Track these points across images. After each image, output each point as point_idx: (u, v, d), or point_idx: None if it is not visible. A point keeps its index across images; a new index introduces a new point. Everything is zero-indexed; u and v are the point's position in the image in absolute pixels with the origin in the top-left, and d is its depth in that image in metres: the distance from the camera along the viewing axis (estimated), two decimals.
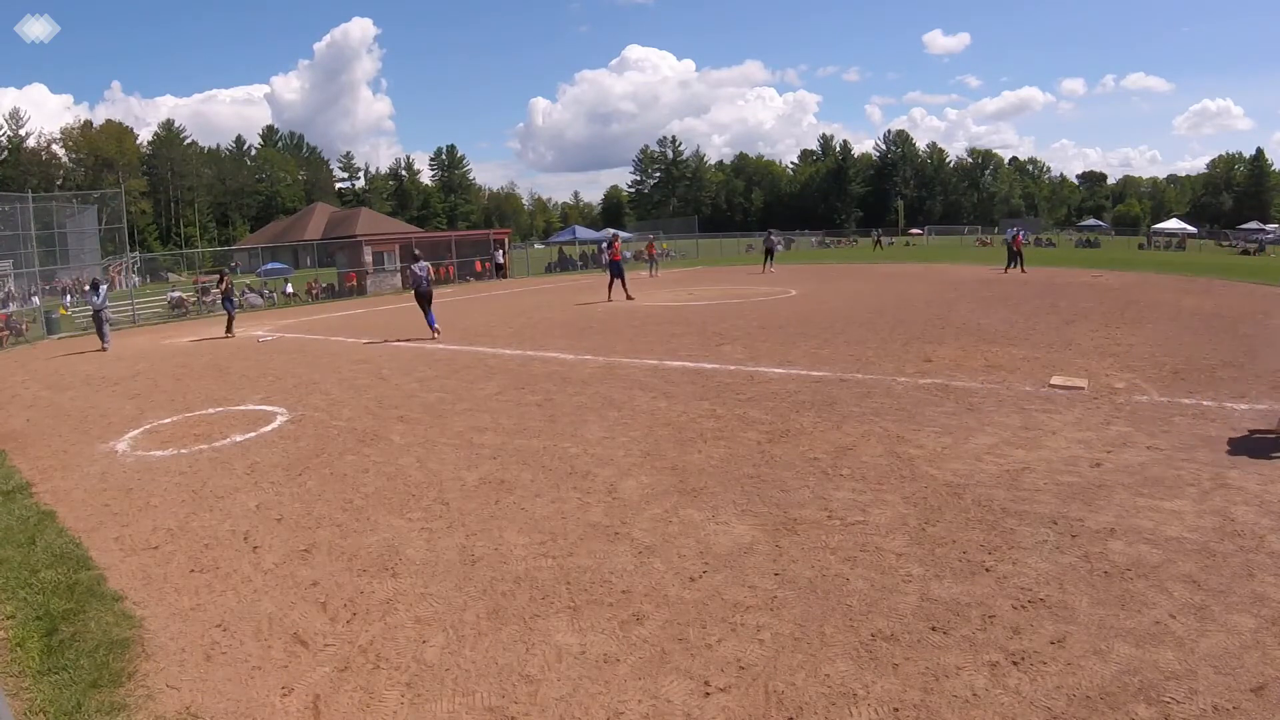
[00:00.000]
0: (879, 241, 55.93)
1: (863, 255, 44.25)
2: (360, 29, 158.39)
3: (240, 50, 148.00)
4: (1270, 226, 67.07)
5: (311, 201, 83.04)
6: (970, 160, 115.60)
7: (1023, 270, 24.22)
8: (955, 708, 2.78)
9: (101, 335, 15.88)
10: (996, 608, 3.46)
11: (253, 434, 7.38)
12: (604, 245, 21.36)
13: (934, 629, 3.31)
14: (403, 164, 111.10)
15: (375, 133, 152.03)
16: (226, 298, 17.33)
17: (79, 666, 3.35)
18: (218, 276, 18.33)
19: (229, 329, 16.82)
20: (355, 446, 6.73)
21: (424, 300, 13.90)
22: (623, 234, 49.74)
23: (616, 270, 20.21)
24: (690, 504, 4.93)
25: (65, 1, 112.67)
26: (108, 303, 16.63)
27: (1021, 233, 26.18)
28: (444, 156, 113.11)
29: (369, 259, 30.70)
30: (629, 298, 19.59)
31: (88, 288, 17.30)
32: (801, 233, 73.70)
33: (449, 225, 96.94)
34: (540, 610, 3.67)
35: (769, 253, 31.02)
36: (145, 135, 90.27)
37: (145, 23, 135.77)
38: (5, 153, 76.74)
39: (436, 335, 13.71)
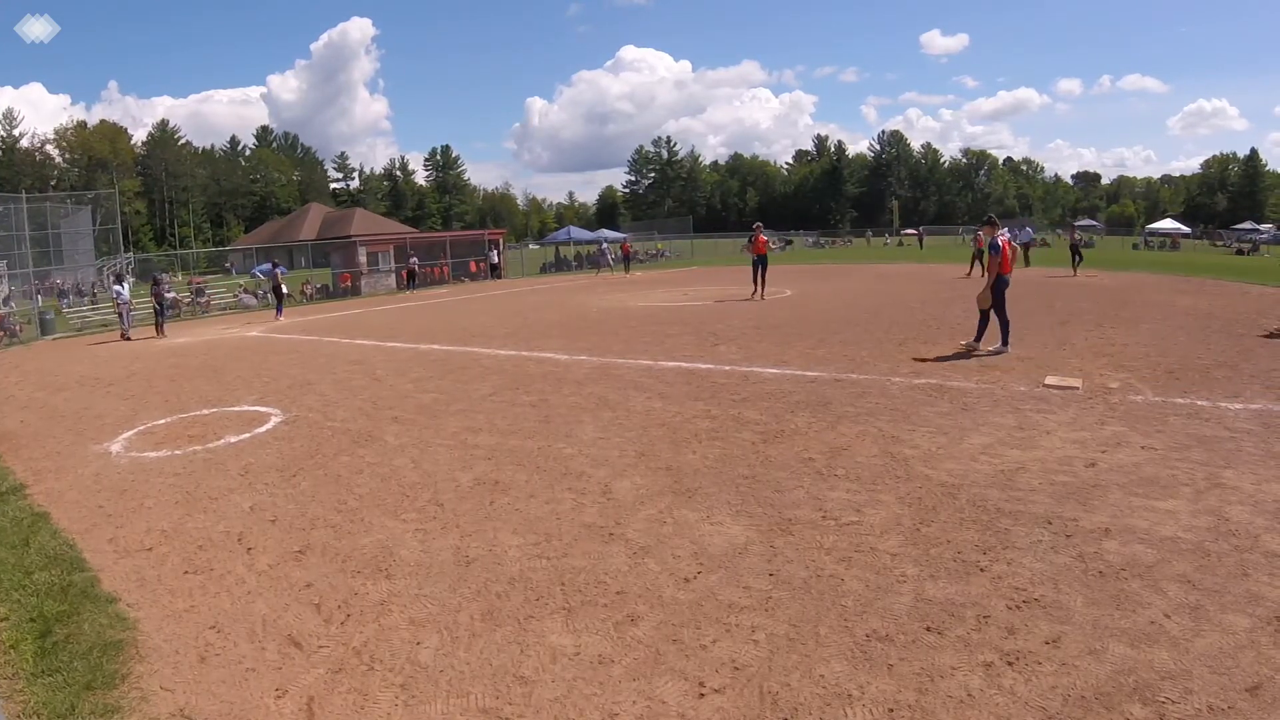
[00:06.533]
0: (922, 239, 59.40)
1: (857, 255, 44.29)
2: (359, 29, 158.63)
3: (238, 51, 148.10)
4: (1264, 226, 67.41)
5: (306, 202, 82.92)
6: (965, 160, 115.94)
7: (1075, 271, 22.86)
8: (950, 708, 2.78)
9: (124, 324, 18.56)
10: (991, 608, 3.46)
11: (247, 435, 7.36)
12: (748, 240, 20.48)
13: (929, 629, 3.31)
14: (397, 164, 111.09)
15: (372, 133, 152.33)
16: (159, 301, 19.08)
17: (73, 669, 3.33)
18: (152, 281, 20.30)
19: (159, 330, 18.68)
20: (350, 447, 6.72)
21: (277, 294, 21.62)
22: (611, 233, 49.45)
23: (761, 264, 19.15)
24: (685, 505, 4.93)
25: (64, 1, 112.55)
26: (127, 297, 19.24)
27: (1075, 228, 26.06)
28: (439, 157, 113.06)
29: (364, 259, 30.67)
30: (761, 296, 18.71)
31: (115, 283, 20.39)
32: (798, 233, 73.81)
33: (444, 225, 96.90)
34: (535, 611, 3.66)
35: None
36: (140, 136, 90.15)
37: (143, 23, 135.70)
38: None
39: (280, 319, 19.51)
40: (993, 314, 9.91)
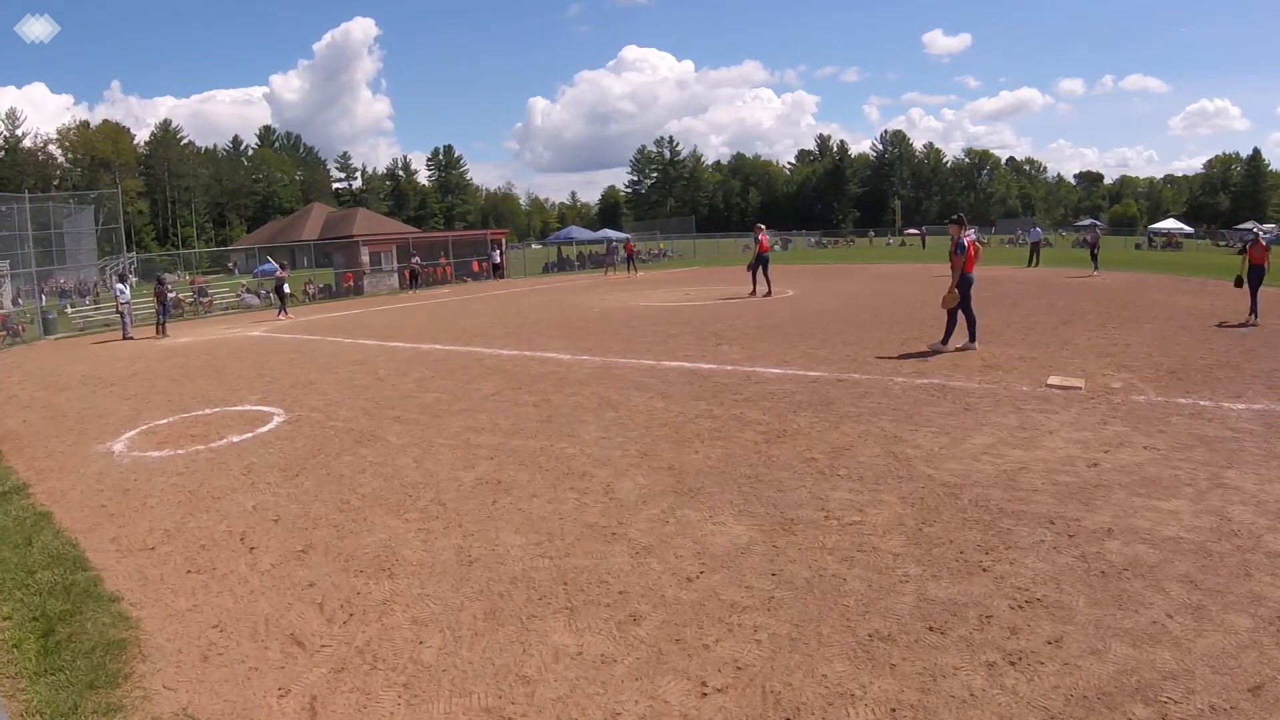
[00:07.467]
0: (924, 239, 59.06)
1: (859, 255, 44.19)
2: (361, 29, 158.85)
3: (240, 50, 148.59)
4: (1267, 226, 67.17)
5: (308, 202, 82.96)
6: (967, 160, 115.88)
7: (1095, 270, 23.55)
8: (952, 708, 2.78)
9: (125, 325, 18.46)
10: (994, 608, 3.46)
11: (249, 435, 7.37)
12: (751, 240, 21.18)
13: (931, 629, 3.31)
14: (400, 164, 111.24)
15: (374, 133, 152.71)
16: (161, 301, 19.10)
17: (76, 668, 3.34)
18: (156, 280, 20.57)
19: (161, 330, 18.67)
20: (352, 447, 6.72)
21: (279, 294, 22.25)
22: (615, 234, 49.41)
23: (762, 262, 19.53)
24: (687, 504, 4.93)
25: (65, 1, 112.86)
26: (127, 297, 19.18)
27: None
28: (441, 157, 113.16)
29: (366, 259, 30.69)
30: (768, 293, 19.15)
31: (117, 281, 20.32)
32: (799, 233, 73.79)
33: (446, 225, 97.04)
34: (537, 611, 3.66)
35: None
36: (143, 136, 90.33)
37: (145, 23, 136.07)
38: (1, 153, 76.56)
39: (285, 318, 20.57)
40: (960, 312, 10.16)
